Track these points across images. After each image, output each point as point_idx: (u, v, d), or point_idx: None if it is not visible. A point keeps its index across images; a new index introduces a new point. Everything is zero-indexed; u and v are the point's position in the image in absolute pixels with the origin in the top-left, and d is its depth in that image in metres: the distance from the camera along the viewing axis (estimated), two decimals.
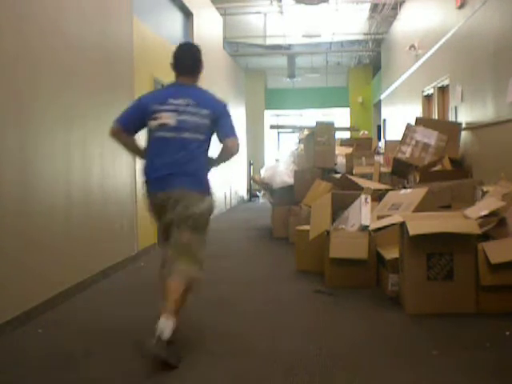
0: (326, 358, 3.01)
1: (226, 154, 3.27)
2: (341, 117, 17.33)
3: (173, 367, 2.88)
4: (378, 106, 15.49)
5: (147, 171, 3.24)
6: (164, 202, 3.15)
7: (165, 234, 3.24)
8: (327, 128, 7.67)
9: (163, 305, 2.96)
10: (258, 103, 17.66)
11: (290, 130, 15.91)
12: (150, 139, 3.25)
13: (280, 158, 8.91)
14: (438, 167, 6.11)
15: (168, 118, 3.14)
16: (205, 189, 3.23)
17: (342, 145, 8.62)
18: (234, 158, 3.34)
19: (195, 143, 3.16)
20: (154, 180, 3.19)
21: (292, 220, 6.94)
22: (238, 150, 3.28)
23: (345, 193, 5.40)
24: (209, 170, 3.30)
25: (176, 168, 3.12)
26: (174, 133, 3.14)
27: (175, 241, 3.13)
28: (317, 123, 7.79)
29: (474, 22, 6.03)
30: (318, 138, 7.46)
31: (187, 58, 3.33)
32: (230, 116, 3.31)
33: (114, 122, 3.27)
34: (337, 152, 7.73)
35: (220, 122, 3.23)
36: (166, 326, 2.86)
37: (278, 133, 19.56)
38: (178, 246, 3.12)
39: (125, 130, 3.27)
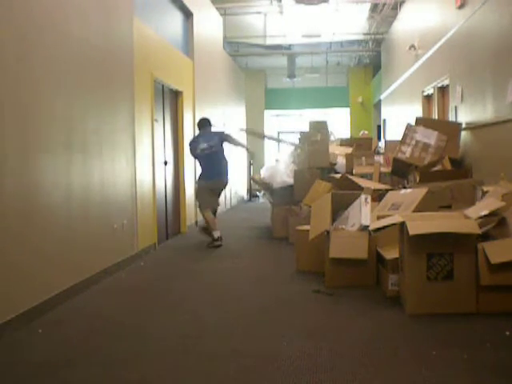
0: (326, 358, 3.01)
1: None
2: (341, 117, 17.35)
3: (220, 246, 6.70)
4: (378, 106, 15.49)
5: None
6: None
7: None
8: (320, 126, 7.64)
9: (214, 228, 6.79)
10: (258, 103, 17.65)
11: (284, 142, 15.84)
12: None
13: (280, 157, 8.89)
14: (438, 167, 6.12)
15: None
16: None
17: (342, 145, 8.62)
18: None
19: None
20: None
21: (292, 220, 6.94)
22: None
23: (345, 193, 5.40)
24: None
25: None
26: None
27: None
28: (310, 123, 7.77)
29: (474, 22, 6.03)
30: (312, 137, 7.44)
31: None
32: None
33: None
34: (337, 152, 7.72)
35: None
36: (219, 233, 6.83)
37: (278, 133, 19.54)
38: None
39: None
